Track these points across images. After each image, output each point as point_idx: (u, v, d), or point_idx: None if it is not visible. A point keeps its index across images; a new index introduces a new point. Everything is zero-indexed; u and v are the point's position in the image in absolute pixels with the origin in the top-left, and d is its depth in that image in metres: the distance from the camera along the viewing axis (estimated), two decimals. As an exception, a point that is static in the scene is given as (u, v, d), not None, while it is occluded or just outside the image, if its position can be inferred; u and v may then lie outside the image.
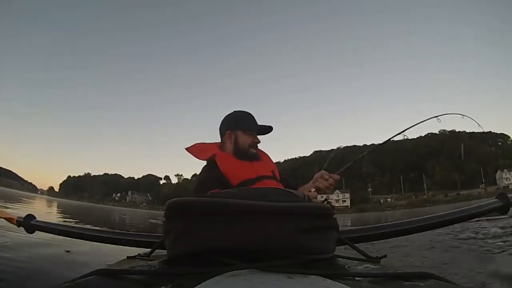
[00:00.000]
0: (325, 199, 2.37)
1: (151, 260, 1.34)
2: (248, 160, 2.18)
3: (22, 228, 2.50)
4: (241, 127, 2.25)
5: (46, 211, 20.49)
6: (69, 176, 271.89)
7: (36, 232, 2.49)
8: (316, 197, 2.31)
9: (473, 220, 2.15)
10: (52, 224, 2.57)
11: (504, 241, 5.38)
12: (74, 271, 3.27)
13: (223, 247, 0.93)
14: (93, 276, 0.87)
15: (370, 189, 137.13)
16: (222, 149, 2.25)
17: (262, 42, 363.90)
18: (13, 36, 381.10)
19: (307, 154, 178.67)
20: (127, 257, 1.54)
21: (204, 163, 2.22)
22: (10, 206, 16.12)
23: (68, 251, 4.50)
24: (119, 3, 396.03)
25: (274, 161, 2.47)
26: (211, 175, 2.04)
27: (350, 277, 0.85)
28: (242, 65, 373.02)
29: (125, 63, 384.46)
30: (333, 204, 1.87)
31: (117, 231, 2.38)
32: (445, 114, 2.89)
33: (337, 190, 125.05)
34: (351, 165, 2.64)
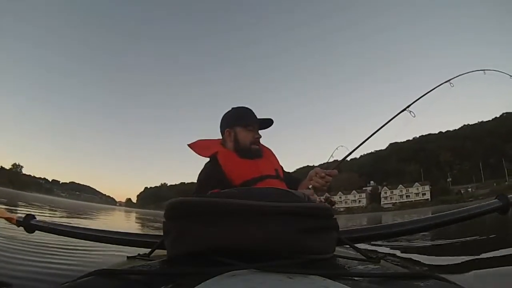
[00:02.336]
0: (326, 198, 2.10)
1: (151, 260, 1.31)
2: (251, 158, 2.13)
3: (22, 228, 2.46)
4: (240, 123, 2.19)
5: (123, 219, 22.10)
6: (146, 188, 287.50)
7: (36, 232, 2.45)
8: (313, 194, 2.15)
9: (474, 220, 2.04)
10: (51, 224, 2.52)
11: (505, 241, 5.43)
12: (74, 271, 3.32)
13: (223, 247, 0.93)
14: (93, 276, 0.87)
15: (449, 179, 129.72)
16: (224, 146, 2.21)
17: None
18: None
19: (383, 148, 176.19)
20: (127, 257, 1.50)
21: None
22: (87, 217, 16.74)
23: (68, 251, 4.45)
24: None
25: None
26: (212, 174, 2.01)
27: (350, 277, 0.84)
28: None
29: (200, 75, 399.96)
30: (333, 201, 1.78)
31: (117, 231, 2.32)
32: (459, 75, 2.69)
33: (416, 183, 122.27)
34: (345, 159, 2.60)
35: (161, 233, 1.17)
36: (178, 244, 1.01)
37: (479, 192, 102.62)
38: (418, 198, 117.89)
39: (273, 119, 2.29)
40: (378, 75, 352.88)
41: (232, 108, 2.29)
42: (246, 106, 2.29)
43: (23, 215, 2.49)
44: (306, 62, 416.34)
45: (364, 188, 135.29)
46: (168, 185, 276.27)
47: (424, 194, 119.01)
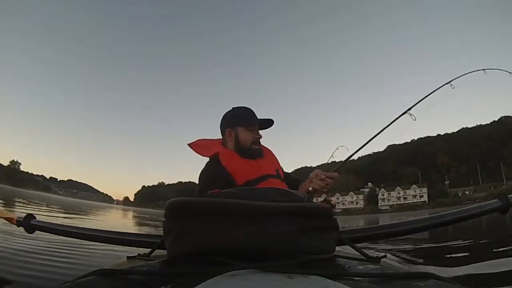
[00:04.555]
0: (324, 199, 2.12)
1: (151, 260, 1.31)
2: (252, 158, 2.13)
3: (22, 228, 2.44)
4: (241, 123, 2.18)
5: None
6: (143, 186, 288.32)
7: (36, 232, 2.43)
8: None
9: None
10: (51, 224, 2.51)
11: (505, 241, 5.41)
12: (74, 271, 3.32)
13: (223, 247, 0.93)
14: (93, 276, 0.87)
15: (447, 182, 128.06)
16: (224, 146, 2.20)
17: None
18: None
19: (381, 149, 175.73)
20: (127, 257, 1.48)
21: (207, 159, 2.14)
22: (84, 216, 16.88)
23: (68, 251, 4.48)
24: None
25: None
26: (215, 174, 1.99)
27: (350, 277, 0.85)
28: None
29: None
30: (333, 203, 2.05)
31: (117, 231, 2.30)
32: (459, 76, 2.75)
33: (414, 185, 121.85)
34: (346, 161, 2.53)
35: (161, 233, 1.17)
36: (178, 244, 1.02)
37: (477, 195, 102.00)
38: (415, 200, 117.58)
39: (273, 119, 2.28)
40: (377, 75, 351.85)
41: (233, 108, 2.28)
42: (246, 105, 2.28)
43: (23, 215, 2.48)
44: (305, 62, 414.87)
45: (361, 190, 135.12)
46: (165, 184, 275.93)
47: (422, 196, 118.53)
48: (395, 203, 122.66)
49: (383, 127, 2.48)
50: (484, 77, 2.84)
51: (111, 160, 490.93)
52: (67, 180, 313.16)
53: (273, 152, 2.40)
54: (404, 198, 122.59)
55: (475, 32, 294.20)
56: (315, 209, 1.02)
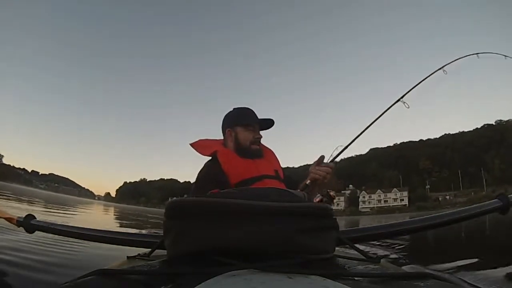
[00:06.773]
0: (326, 193, 2.15)
1: (151, 260, 1.32)
2: (250, 158, 2.14)
3: (22, 228, 2.48)
4: (240, 123, 2.21)
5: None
6: (125, 182, 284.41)
7: (36, 232, 2.47)
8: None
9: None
10: (52, 224, 2.57)
11: (505, 240, 5.46)
12: (74, 271, 3.18)
13: (223, 247, 0.94)
14: (93, 276, 0.88)
15: (428, 186, 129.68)
16: (224, 146, 2.23)
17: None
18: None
19: (364, 152, 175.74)
20: (127, 257, 1.49)
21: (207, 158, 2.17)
22: (67, 211, 16.45)
23: (68, 251, 4.45)
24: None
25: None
26: (212, 173, 2.01)
27: (350, 277, 0.85)
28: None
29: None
30: (332, 195, 1.77)
31: (117, 231, 2.39)
32: (452, 62, 2.75)
33: (394, 189, 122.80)
34: (343, 150, 2.49)
35: (161, 233, 1.18)
36: (178, 244, 1.03)
37: (457, 200, 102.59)
38: (396, 204, 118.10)
39: (273, 120, 2.30)
40: (374, 71, 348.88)
41: (234, 108, 2.31)
42: (238, 106, 2.32)
43: (23, 215, 2.51)
44: (294, 59, 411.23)
45: (342, 192, 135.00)
46: (147, 180, 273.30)
47: (402, 199, 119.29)
48: (375, 205, 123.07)
49: (377, 117, 2.51)
50: (478, 62, 2.90)
51: (93, 155, 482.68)
52: (49, 174, 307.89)
53: (275, 153, 2.41)
54: (384, 201, 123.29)
55: (468, 15, 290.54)
56: (315, 209, 1.02)
